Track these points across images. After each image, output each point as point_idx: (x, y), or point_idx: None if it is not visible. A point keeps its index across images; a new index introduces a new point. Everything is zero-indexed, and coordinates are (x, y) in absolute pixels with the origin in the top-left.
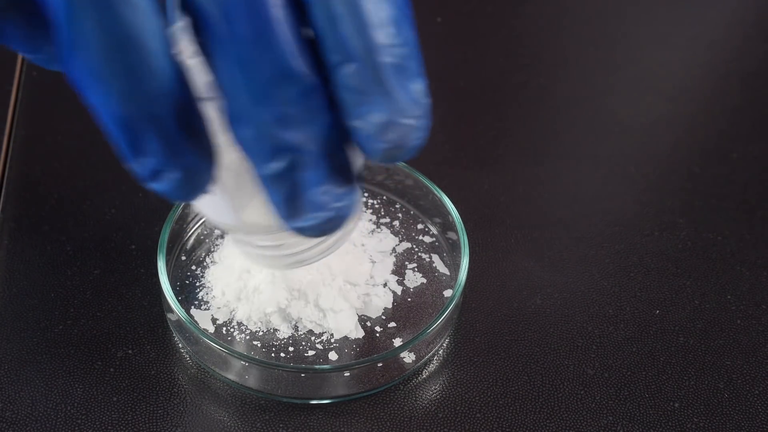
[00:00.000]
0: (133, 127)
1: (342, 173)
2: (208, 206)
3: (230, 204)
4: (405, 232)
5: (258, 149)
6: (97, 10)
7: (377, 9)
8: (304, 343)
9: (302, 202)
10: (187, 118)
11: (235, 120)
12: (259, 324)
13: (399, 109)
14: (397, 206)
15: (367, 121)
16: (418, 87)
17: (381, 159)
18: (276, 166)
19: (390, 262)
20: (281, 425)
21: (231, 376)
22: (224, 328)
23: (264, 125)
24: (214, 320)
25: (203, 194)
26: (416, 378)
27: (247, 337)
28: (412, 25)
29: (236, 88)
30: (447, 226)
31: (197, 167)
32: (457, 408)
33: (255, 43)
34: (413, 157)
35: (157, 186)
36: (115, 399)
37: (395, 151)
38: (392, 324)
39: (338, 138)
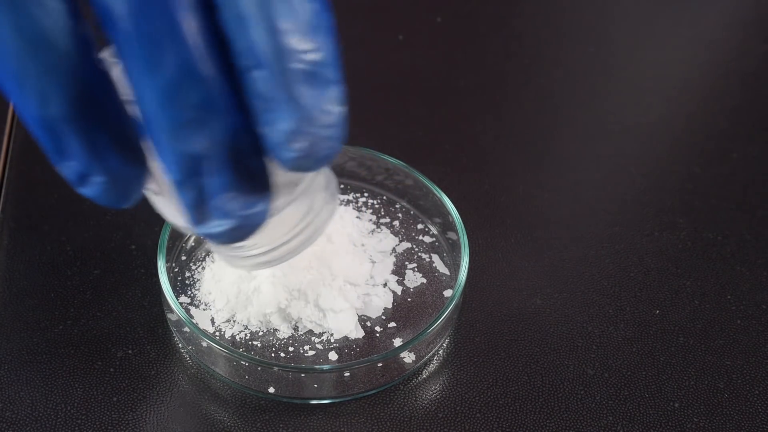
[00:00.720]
0: (53, 129)
1: (252, 180)
2: (162, 208)
3: (178, 207)
4: (405, 232)
5: (162, 152)
6: (6, 11)
7: (289, 13)
8: (304, 343)
9: (208, 209)
10: (111, 120)
11: (144, 121)
12: (259, 324)
13: (307, 118)
14: (397, 206)
15: (274, 128)
16: (330, 95)
17: (292, 168)
18: (179, 170)
19: (390, 262)
20: (281, 425)
21: (231, 376)
22: (224, 328)
23: (165, 129)
24: (213, 320)
25: (136, 200)
26: (416, 378)
27: (247, 337)
28: (330, 30)
29: (139, 89)
30: (447, 226)
31: (123, 172)
32: (457, 408)
33: (156, 43)
34: (326, 166)
35: (85, 191)
36: (115, 399)
37: (305, 161)
38: (392, 324)
39: (249, 144)
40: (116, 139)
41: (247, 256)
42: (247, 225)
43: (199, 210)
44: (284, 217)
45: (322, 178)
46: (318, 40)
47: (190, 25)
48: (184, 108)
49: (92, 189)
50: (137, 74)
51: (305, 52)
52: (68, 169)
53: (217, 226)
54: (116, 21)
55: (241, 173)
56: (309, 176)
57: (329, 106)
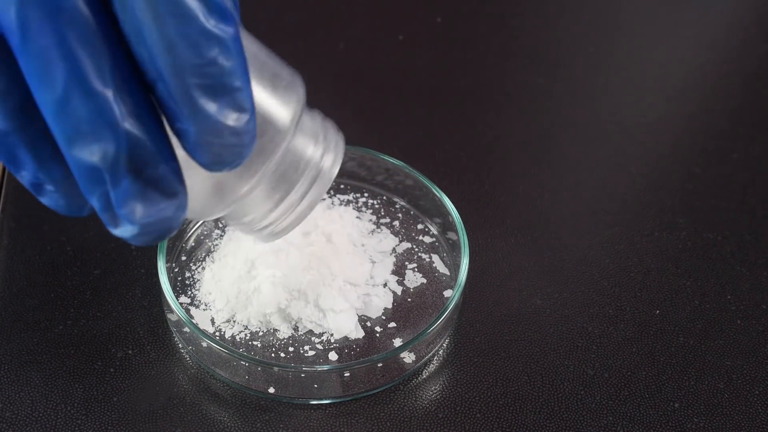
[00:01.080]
0: (5, 141)
1: (158, 187)
2: None
3: None
4: (405, 232)
5: (69, 162)
6: None
7: (185, 27)
8: (304, 344)
9: (115, 214)
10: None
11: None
12: (259, 324)
13: (211, 129)
14: (397, 206)
15: (182, 138)
16: (233, 104)
17: (209, 171)
18: (80, 180)
19: (390, 262)
20: (281, 425)
21: (231, 376)
22: (224, 328)
23: (61, 140)
24: (213, 320)
25: (90, 210)
26: (416, 378)
27: (247, 337)
28: (232, 39)
29: (37, 99)
30: (447, 226)
31: (70, 181)
32: (457, 408)
33: (43, 58)
34: (238, 165)
35: (42, 200)
36: (115, 399)
37: (217, 166)
38: (392, 324)
39: (153, 152)
40: (59, 150)
41: (259, 229)
42: (157, 230)
43: (108, 215)
44: (265, 193)
45: (302, 137)
46: (217, 52)
47: (76, 42)
48: (75, 121)
49: (47, 198)
50: (31, 87)
51: (204, 65)
52: (23, 179)
53: (128, 231)
54: (7, 35)
55: (145, 181)
56: (282, 147)
57: (233, 115)
